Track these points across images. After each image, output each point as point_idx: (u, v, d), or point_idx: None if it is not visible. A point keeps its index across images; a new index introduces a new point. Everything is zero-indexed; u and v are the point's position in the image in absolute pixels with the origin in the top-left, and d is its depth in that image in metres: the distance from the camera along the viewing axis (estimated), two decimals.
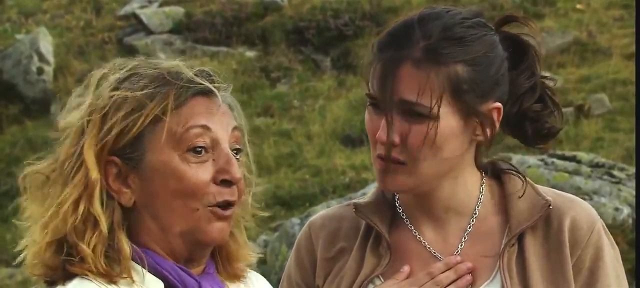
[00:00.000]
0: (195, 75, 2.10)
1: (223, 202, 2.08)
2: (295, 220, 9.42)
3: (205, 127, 2.07)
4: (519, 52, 2.29)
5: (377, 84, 2.22)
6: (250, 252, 2.21)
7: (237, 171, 2.08)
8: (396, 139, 2.21)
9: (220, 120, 2.09)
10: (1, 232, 12.21)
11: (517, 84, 2.29)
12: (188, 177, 2.06)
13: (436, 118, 2.19)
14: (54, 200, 2.06)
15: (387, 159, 2.22)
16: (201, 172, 2.06)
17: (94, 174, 2.04)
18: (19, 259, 2.11)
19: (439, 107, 2.19)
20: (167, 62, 2.13)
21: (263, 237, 9.67)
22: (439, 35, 2.20)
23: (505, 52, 2.27)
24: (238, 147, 2.12)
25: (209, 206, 2.07)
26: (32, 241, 2.08)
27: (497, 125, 2.26)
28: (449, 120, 2.21)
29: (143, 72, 2.10)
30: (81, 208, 2.04)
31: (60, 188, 2.06)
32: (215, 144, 2.08)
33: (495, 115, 2.25)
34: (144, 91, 2.06)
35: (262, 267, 8.41)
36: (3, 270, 11.25)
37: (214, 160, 2.08)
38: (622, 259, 2.32)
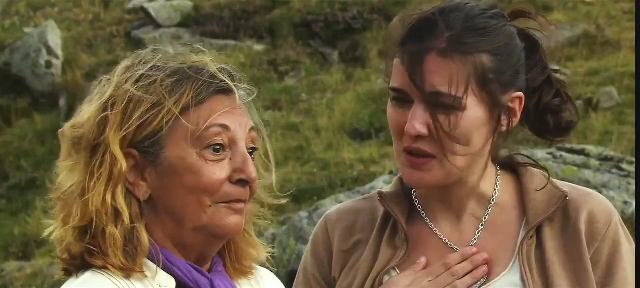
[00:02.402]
0: (217, 72, 2.10)
1: (235, 200, 2.09)
2: (304, 213, 9.42)
3: (224, 127, 2.08)
4: (529, 47, 2.31)
5: (404, 76, 2.22)
6: (261, 251, 2.22)
7: (253, 171, 2.09)
8: (424, 130, 2.21)
9: (239, 120, 2.10)
10: (10, 226, 12.24)
11: (530, 78, 2.30)
12: (204, 174, 2.06)
13: (465, 108, 2.19)
14: (80, 184, 2.06)
15: (416, 152, 2.22)
16: (218, 171, 2.07)
17: (123, 166, 2.05)
18: (45, 233, 2.11)
19: (468, 96, 2.19)
20: (193, 55, 2.13)
21: (271, 230, 9.68)
22: (462, 25, 2.21)
23: (521, 43, 2.29)
24: (253, 146, 2.13)
25: (219, 203, 2.08)
26: (60, 223, 2.09)
27: (519, 114, 2.27)
28: (476, 110, 2.22)
29: (167, 66, 2.10)
30: (108, 199, 2.05)
31: (84, 173, 2.07)
32: (232, 143, 2.09)
33: (517, 105, 2.26)
34: (165, 86, 2.06)
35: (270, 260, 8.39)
36: (13, 263, 11.28)
37: (231, 159, 2.09)
38: None
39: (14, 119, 14.58)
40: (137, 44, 14.78)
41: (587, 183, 9.14)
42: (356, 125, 12.84)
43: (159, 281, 2.07)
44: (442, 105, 2.20)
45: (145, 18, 15.91)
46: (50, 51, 14.99)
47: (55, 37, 15.22)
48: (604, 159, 9.70)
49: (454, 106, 2.19)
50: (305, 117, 13.56)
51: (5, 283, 10.73)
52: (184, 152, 2.06)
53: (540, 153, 9.62)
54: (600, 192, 9.68)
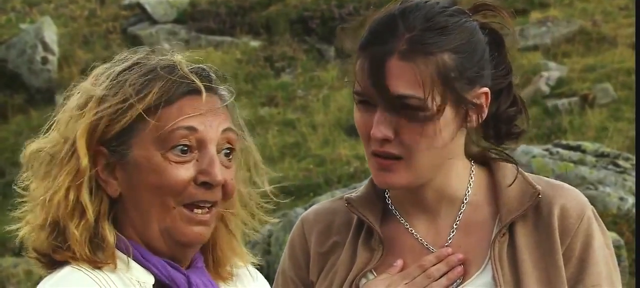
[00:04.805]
0: (191, 72, 2.08)
1: (199, 202, 2.07)
2: (300, 209, 9.42)
3: (191, 128, 2.06)
4: (493, 41, 2.28)
5: (367, 81, 2.20)
6: (245, 259, 2.21)
7: (219, 173, 2.06)
8: (390, 133, 2.19)
9: (210, 121, 2.08)
10: (6, 222, 12.22)
11: (495, 77, 2.27)
12: (167, 175, 2.05)
13: (430, 109, 2.17)
14: (51, 182, 2.07)
15: (384, 155, 2.21)
16: (182, 172, 2.06)
17: (84, 162, 2.05)
18: (19, 233, 2.12)
19: (433, 97, 2.17)
20: (171, 55, 2.12)
21: (267, 226, 9.66)
22: (422, 25, 2.19)
23: (485, 37, 2.26)
24: (231, 147, 2.11)
25: (184, 205, 2.07)
26: (26, 222, 2.10)
27: (486, 110, 2.25)
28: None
29: (144, 64, 2.09)
30: (71, 196, 2.05)
31: (57, 170, 2.07)
32: (201, 144, 2.07)
33: (483, 100, 2.24)
34: (134, 86, 2.06)
35: (266, 257, 8.41)
36: (8, 259, 11.28)
37: (197, 160, 2.07)
38: (627, 249, 2.32)
39: (10, 115, 14.58)
40: (133, 40, 14.78)
41: (583, 180, 9.14)
42: (352, 121, 12.79)
43: (138, 277, 2.07)
44: (407, 107, 2.18)
45: (141, 14, 15.91)
46: (46, 47, 14.99)
47: (51, 33, 15.22)
48: (600, 155, 9.71)
49: (419, 108, 2.17)
50: (302, 113, 13.56)
51: (2, 279, 10.72)
52: (148, 152, 2.06)
53: (537, 150, 9.62)
54: (597, 188, 9.69)
